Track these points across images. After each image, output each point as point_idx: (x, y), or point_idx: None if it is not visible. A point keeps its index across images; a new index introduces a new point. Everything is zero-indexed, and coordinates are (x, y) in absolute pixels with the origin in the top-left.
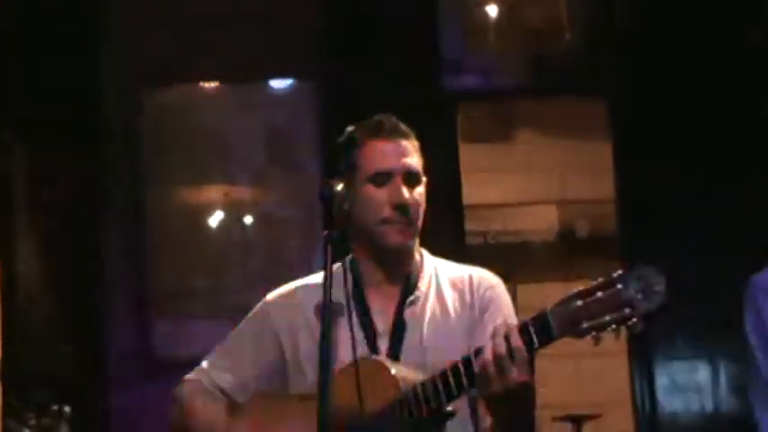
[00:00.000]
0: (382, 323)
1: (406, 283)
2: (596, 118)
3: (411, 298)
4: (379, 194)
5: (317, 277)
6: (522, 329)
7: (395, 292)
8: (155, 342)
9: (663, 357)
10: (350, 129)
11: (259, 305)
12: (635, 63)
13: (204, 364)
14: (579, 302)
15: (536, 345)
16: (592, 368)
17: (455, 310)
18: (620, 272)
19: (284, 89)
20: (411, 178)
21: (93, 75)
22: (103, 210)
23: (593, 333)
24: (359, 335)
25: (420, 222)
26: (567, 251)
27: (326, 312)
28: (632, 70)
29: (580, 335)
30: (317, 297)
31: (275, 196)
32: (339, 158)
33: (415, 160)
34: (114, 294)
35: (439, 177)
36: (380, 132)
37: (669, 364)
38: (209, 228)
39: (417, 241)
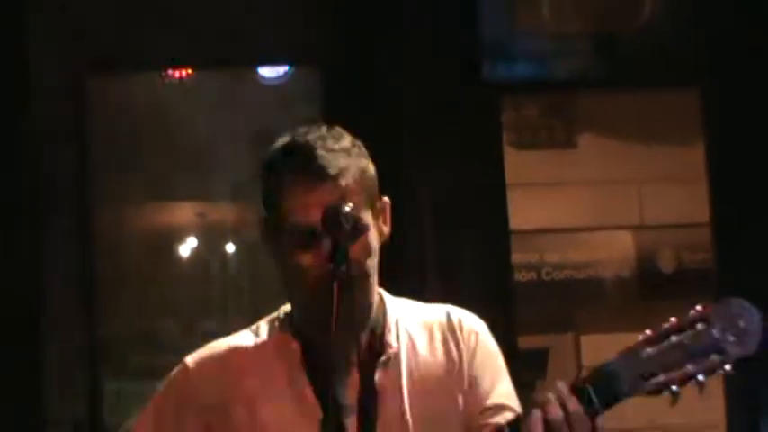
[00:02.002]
0: (346, 395)
1: (371, 339)
2: (686, 116)
3: (382, 359)
4: (304, 261)
5: (248, 335)
6: (579, 388)
7: (359, 349)
8: (106, 408)
9: None
10: (272, 147)
11: (176, 373)
12: (737, 45)
13: None
14: (651, 349)
15: (598, 407)
16: None
17: (438, 365)
18: (700, 308)
19: (277, 78)
20: None
21: (19, 57)
22: (39, 237)
23: (672, 388)
24: (317, 413)
25: (372, 273)
26: (647, 291)
27: (332, 376)
28: (734, 55)
29: (655, 391)
30: (258, 360)
31: None
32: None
33: (351, 204)
34: (53, 345)
35: (478, 194)
36: (298, 164)
37: None
38: (178, 258)
39: (376, 280)
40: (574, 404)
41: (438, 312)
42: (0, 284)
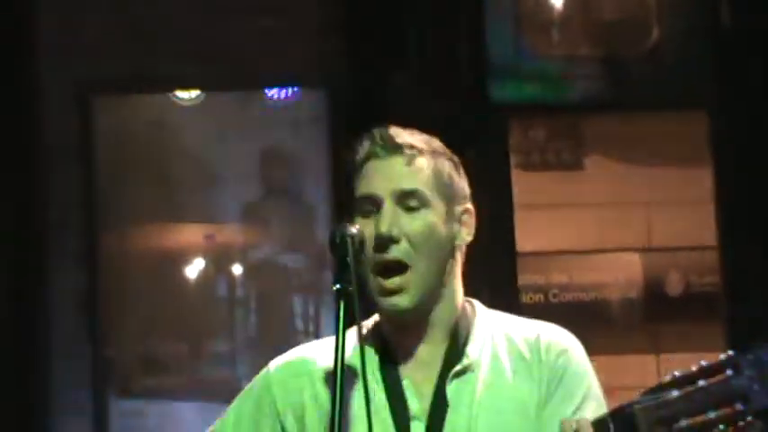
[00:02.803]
0: (417, 402)
1: (452, 346)
2: (693, 139)
3: (458, 368)
4: (367, 228)
5: (329, 344)
6: (601, 427)
7: (435, 359)
8: (112, 430)
9: None
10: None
11: (259, 376)
12: (744, 68)
13: None
14: (675, 392)
15: None
16: None
17: (516, 383)
18: (730, 353)
19: (285, 100)
20: (406, 200)
21: (27, 77)
22: (46, 258)
23: None
24: (387, 418)
25: (434, 260)
26: (654, 313)
27: (337, 392)
28: (741, 77)
29: None
30: (331, 368)
31: (273, 238)
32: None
33: (415, 179)
34: (60, 365)
35: (485, 215)
36: (371, 149)
37: None
38: (185, 280)
39: (453, 284)
40: None
41: (531, 329)
42: (7, 305)
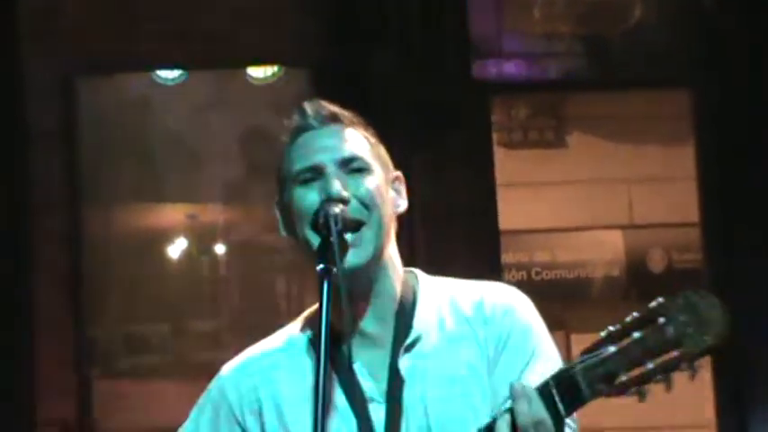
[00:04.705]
0: (372, 382)
1: (399, 320)
2: (676, 116)
3: (408, 341)
4: (310, 194)
5: (282, 334)
6: (545, 394)
7: (384, 335)
8: (95, 409)
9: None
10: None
11: (213, 384)
12: (727, 46)
13: None
14: (613, 348)
15: (562, 412)
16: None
17: (465, 349)
18: (660, 300)
19: (267, 79)
20: (351, 165)
21: (9, 58)
22: (29, 237)
23: (635, 387)
24: (343, 404)
25: (385, 220)
26: (636, 290)
27: (321, 380)
28: (724, 55)
29: (618, 391)
30: (286, 360)
31: (256, 218)
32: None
33: (354, 146)
34: (43, 346)
35: (468, 193)
36: (303, 121)
37: None
38: (168, 260)
39: (393, 254)
40: (540, 410)
41: (475, 291)
42: None
